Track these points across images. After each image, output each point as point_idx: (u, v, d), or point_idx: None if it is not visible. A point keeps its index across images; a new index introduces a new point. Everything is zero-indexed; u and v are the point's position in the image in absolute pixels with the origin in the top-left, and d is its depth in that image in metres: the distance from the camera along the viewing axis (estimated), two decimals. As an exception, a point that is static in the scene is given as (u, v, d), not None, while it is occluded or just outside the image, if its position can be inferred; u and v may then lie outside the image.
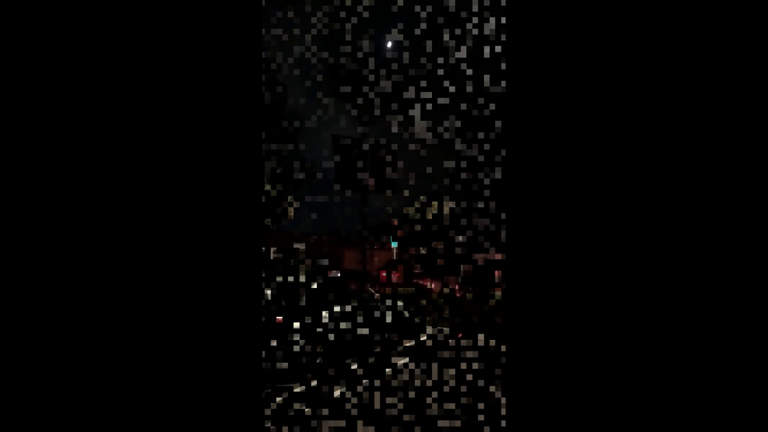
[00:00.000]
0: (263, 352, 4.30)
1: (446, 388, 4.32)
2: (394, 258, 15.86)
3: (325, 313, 4.95)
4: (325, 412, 3.69)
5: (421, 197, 9.53)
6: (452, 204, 9.52)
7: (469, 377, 4.79)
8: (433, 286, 9.77)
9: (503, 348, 6.11)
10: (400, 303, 6.99)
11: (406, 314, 6.91)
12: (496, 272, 22.75)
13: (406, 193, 9.40)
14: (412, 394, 4.15)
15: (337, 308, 5.26)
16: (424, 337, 6.93)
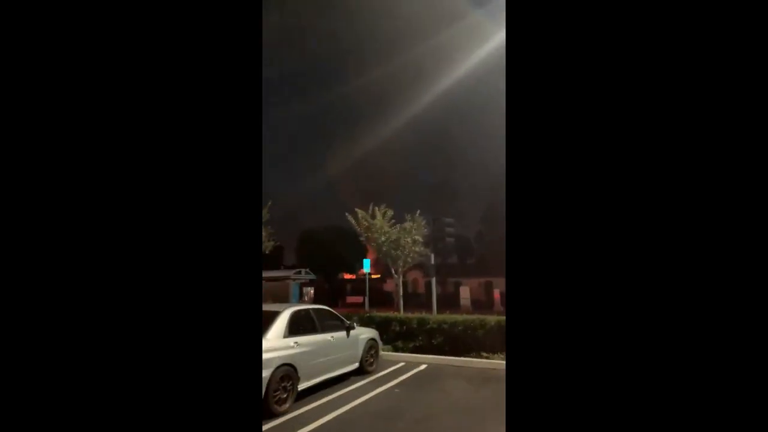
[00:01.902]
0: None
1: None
2: (366, 280, 15.58)
3: (293, 342, 4.62)
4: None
5: (391, 219, 9.40)
6: (424, 224, 9.45)
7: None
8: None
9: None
10: (371, 330, 6.72)
11: (375, 340, 6.63)
12: (463, 290, 22.91)
13: (379, 215, 9.24)
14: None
15: (307, 337, 4.94)
16: (400, 365, 6.65)
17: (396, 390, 5.19)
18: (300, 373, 4.58)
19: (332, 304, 6.84)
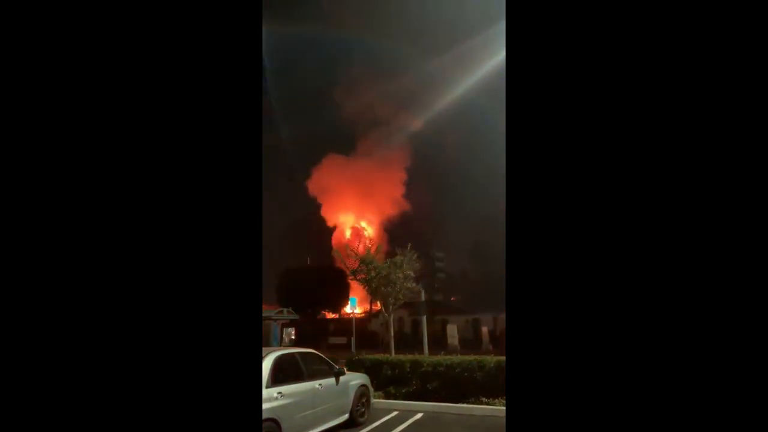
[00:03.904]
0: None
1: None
2: (351, 320, 14.88)
3: (276, 393, 4.05)
4: None
5: (378, 251, 9.00)
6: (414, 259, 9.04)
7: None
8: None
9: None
10: (362, 375, 6.15)
11: (367, 387, 6.04)
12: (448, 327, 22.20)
13: (368, 253, 8.82)
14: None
15: (293, 386, 4.36)
16: (393, 414, 6.03)
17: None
18: (284, 430, 3.99)
19: (314, 346, 6.29)
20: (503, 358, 6.35)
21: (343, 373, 5.27)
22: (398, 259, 8.66)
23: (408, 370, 6.99)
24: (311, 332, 27.26)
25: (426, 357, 7.48)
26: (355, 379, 5.60)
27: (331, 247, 9.66)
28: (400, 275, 8.46)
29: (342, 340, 24.98)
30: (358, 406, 5.45)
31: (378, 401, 6.43)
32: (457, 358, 6.87)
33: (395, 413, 6.04)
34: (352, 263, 8.86)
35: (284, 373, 4.40)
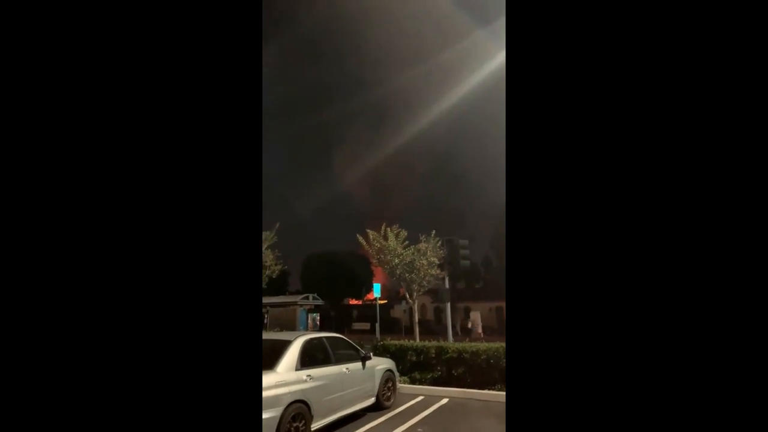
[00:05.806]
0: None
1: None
2: (375, 306, 15.01)
3: (305, 376, 4.14)
4: None
5: (404, 240, 8.98)
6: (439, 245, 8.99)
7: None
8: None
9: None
10: (388, 360, 6.20)
11: (393, 372, 6.09)
12: (472, 315, 22.14)
13: (392, 236, 8.83)
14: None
15: (321, 370, 4.45)
16: (419, 399, 6.08)
17: (419, 430, 4.65)
18: (313, 411, 4.08)
19: (338, 331, 6.38)
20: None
21: (369, 358, 5.33)
22: (422, 246, 8.62)
23: (433, 356, 7.02)
24: (335, 318, 27.75)
25: (451, 343, 7.47)
26: (381, 364, 5.67)
27: (355, 233, 9.70)
28: (424, 262, 8.44)
29: (365, 325, 25.33)
30: (384, 390, 5.52)
31: (403, 386, 6.49)
32: (482, 345, 6.82)
33: (421, 398, 6.09)
34: (376, 249, 8.89)
35: (312, 356, 4.49)
